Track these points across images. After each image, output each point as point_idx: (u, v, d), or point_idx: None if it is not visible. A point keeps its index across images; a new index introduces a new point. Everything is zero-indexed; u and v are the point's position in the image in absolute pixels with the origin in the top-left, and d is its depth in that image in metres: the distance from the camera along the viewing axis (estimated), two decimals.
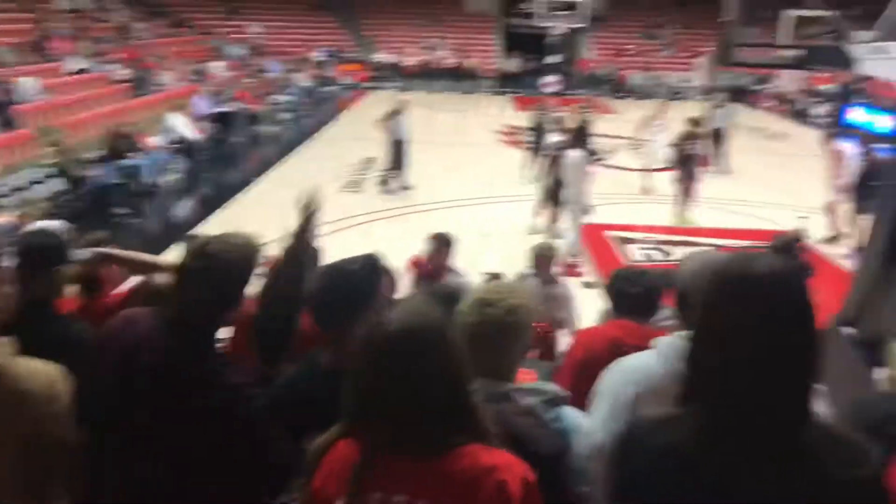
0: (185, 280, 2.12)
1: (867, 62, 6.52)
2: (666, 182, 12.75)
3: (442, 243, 5.83)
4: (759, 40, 8.66)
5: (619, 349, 2.65)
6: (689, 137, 11.61)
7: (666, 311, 3.14)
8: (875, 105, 21.79)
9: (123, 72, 17.96)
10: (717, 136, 14.55)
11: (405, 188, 13.13)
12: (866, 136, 9.95)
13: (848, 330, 4.93)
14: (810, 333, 1.41)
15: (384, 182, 13.21)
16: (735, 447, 1.38)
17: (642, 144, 13.84)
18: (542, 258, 5.75)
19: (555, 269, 5.90)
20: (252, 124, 18.96)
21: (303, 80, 25.47)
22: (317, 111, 23.95)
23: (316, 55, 30.64)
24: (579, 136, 9.73)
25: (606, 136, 17.77)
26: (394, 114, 12.78)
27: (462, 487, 1.54)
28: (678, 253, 9.86)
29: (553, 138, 11.11)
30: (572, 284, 6.75)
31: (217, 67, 22.55)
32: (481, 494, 1.52)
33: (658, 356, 2.13)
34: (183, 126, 14.58)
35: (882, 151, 9.29)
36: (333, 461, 1.65)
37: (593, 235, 10.48)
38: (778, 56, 8.78)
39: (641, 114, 14.17)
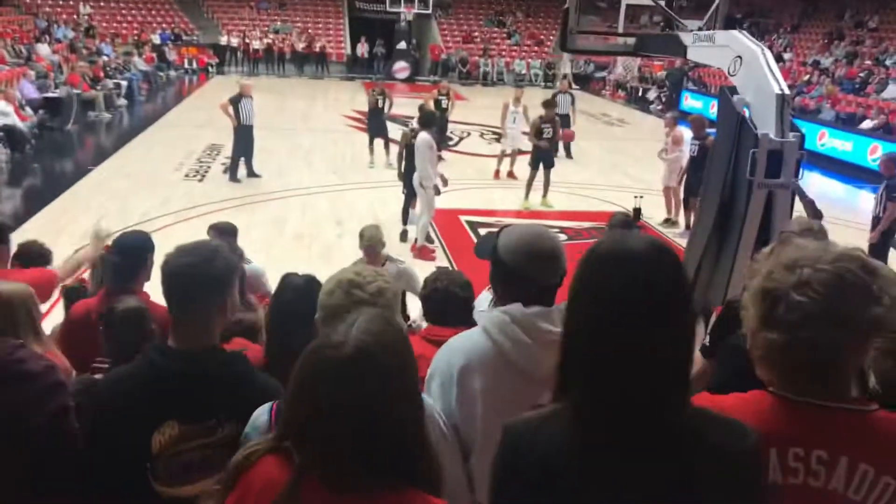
0: None
1: (696, 50, 6.89)
2: (520, 167, 13.06)
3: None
4: (598, 28, 8.98)
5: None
6: (546, 120, 11.95)
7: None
8: (705, 91, 23.35)
9: None
10: (563, 123, 15.05)
11: (252, 175, 12.73)
12: (698, 122, 10.56)
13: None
14: (685, 309, 1.40)
15: (230, 169, 12.74)
16: (614, 434, 1.35)
17: (502, 131, 14.11)
18: (370, 244, 5.67)
19: (384, 254, 5.82)
20: (86, 110, 17.83)
21: (140, 63, 24.16)
22: (157, 96, 22.85)
23: (153, 38, 29.18)
24: (424, 119, 9.77)
25: (458, 122, 18.00)
26: (238, 98, 12.33)
27: None
28: None
29: (411, 123, 11.12)
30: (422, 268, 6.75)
31: (44, 50, 20.99)
32: None
33: (481, 332, 2.09)
34: (6, 111, 13.48)
35: (713, 134, 9.89)
36: (255, 479, 1.49)
37: (447, 220, 10.58)
38: (615, 43, 9.14)
39: (501, 101, 14.43)
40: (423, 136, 9.30)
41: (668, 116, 12.14)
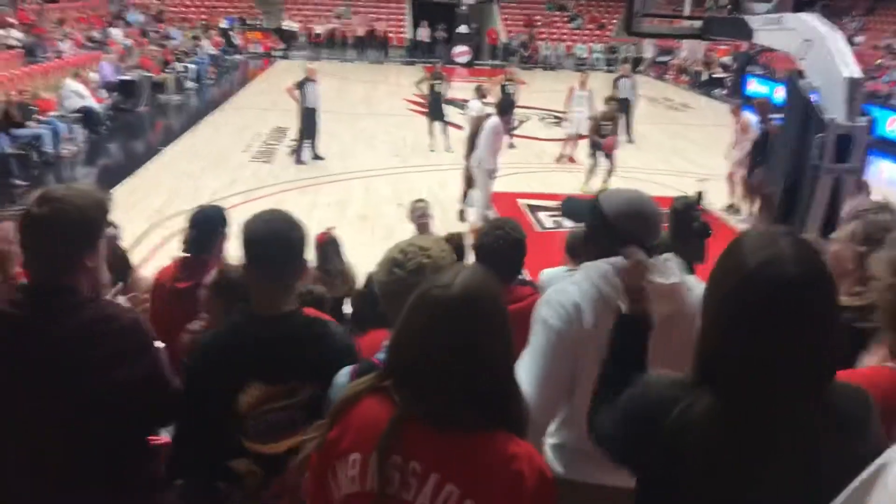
0: (30, 230, 2.04)
1: (763, 33, 6.82)
2: (582, 152, 13.04)
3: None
4: (664, 10, 8.92)
5: None
6: (607, 118, 11.94)
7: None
8: (771, 76, 22.79)
9: (16, 36, 17.03)
10: (624, 107, 14.95)
11: (317, 158, 13.00)
12: (764, 106, 10.39)
13: None
14: (836, 329, 1.44)
15: (295, 152, 13.03)
16: (759, 424, 1.41)
17: (566, 114, 14.13)
18: (421, 217, 5.84)
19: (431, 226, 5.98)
20: (156, 93, 18.35)
21: (208, 47, 24.71)
22: (223, 80, 23.34)
23: (221, 23, 29.74)
24: (501, 106, 9.88)
25: (518, 106, 17.95)
26: (304, 82, 12.59)
27: (480, 470, 1.50)
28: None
29: (475, 106, 11.24)
30: None
31: (117, 34, 21.63)
32: (496, 480, 1.49)
33: (586, 279, 2.18)
34: (83, 94, 13.99)
35: (778, 121, 9.76)
36: (359, 415, 1.59)
37: (506, 203, 10.65)
38: (680, 26, 9.06)
39: (566, 85, 14.41)
40: (494, 121, 9.41)
41: (733, 105, 11.97)
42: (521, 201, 11.07)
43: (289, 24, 31.47)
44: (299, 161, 12.81)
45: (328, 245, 5.43)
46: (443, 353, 1.50)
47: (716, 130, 12.51)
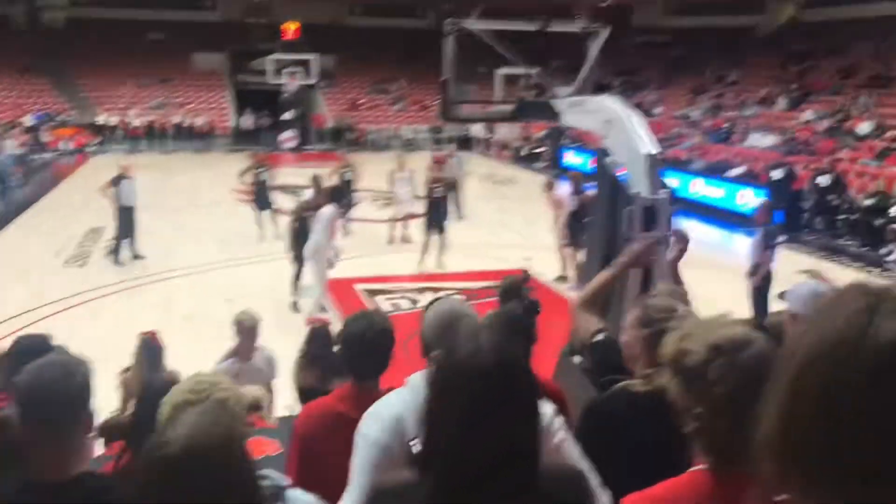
0: None
1: (569, 115, 7.20)
2: (414, 231, 13.20)
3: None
4: (477, 97, 9.29)
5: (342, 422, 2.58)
6: (433, 182, 12.23)
7: None
8: (585, 147, 24.30)
9: None
10: (453, 185, 15.37)
11: (137, 257, 12.34)
12: (577, 178, 11.01)
13: (577, 358, 5.33)
14: (534, 408, 1.50)
15: (113, 252, 12.32)
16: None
17: (390, 196, 14.31)
18: (244, 328, 5.57)
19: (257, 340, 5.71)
20: None
21: (12, 147, 23.21)
22: (32, 180, 21.94)
23: (27, 120, 28.16)
24: (335, 193, 9.92)
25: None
26: (118, 179, 12.02)
27: None
28: (425, 300, 10.18)
29: (305, 194, 11.16)
30: None
31: None
32: None
33: (408, 392, 2.13)
34: None
35: (589, 188, 10.40)
36: None
37: (342, 290, 10.51)
38: (494, 110, 9.46)
39: (386, 167, 14.63)
40: (329, 209, 9.39)
41: (545, 183, 12.66)
42: (358, 286, 10.97)
43: (103, 119, 30.26)
44: (118, 262, 12.11)
45: (147, 351, 5.03)
46: None
47: (540, 202, 13.03)
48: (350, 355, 2.88)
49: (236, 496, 1.46)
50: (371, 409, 2.18)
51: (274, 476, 1.97)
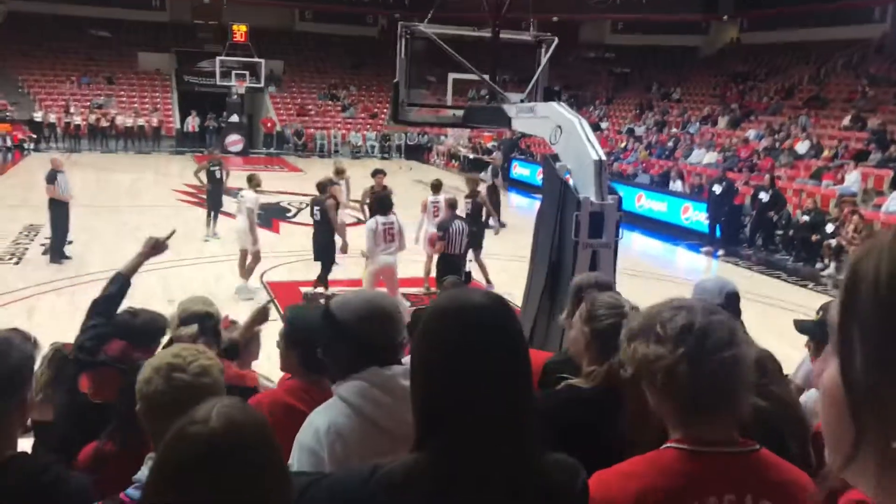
0: None
1: (520, 121, 7.27)
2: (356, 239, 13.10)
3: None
4: (427, 101, 9.31)
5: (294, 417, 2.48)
6: (377, 189, 12.17)
7: None
8: (533, 160, 24.56)
9: None
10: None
11: (67, 257, 12.00)
12: (473, 181, 11.42)
13: None
14: (526, 351, 1.47)
15: (51, 250, 11.96)
16: (473, 482, 1.37)
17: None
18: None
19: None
20: None
21: None
22: None
23: None
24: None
25: (295, 193, 17.92)
26: (53, 174, 11.70)
27: None
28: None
29: (249, 196, 11.01)
30: None
31: None
32: None
33: (339, 402, 1.99)
34: None
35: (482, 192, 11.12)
36: None
37: (289, 292, 10.42)
38: (445, 115, 9.48)
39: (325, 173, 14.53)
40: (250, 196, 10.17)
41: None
42: (303, 289, 10.86)
43: (43, 116, 29.45)
44: (56, 260, 11.77)
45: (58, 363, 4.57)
46: (206, 498, 1.31)
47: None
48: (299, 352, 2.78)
49: (274, 474, 1.39)
50: (307, 420, 2.08)
51: None
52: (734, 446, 1.59)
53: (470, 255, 11.11)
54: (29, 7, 33.23)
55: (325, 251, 10.50)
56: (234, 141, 30.00)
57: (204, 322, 3.52)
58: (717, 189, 15.54)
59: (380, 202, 9.84)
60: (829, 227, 13.99)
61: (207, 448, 1.32)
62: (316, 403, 2.43)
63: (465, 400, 1.38)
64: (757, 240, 15.77)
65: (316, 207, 10.64)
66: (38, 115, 29.44)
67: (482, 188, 13.13)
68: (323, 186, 10.96)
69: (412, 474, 1.40)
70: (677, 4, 31.50)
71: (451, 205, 10.50)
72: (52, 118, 29.59)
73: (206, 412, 1.36)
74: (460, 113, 8.76)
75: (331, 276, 10.58)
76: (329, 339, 2.07)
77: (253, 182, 11.26)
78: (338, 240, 10.77)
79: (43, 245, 12.48)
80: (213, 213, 13.92)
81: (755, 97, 25.81)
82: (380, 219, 9.34)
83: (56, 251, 11.87)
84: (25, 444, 3.75)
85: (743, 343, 1.58)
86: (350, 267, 11.94)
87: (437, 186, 11.96)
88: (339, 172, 13.68)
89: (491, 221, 13.07)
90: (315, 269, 10.67)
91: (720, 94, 27.34)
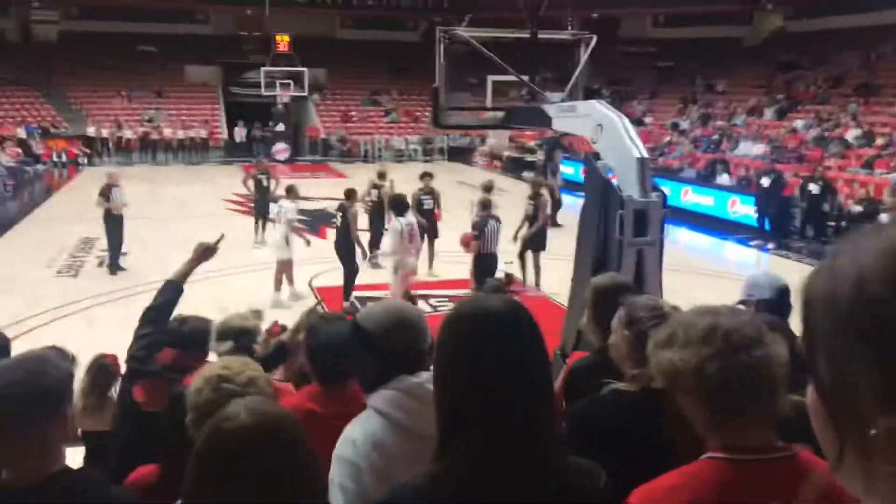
0: None
1: (560, 120, 7.27)
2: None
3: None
4: (467, 104, 9.34)
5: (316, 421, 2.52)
6: (424, 192, 12.31)
7: None
8: (576, 157, 24.41)
9: None
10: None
11: (122, 269, 12.34)
12: (536, 184, 11.31)
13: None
14: (545, 359, 1.49)
15: (106, 263, 12.32)
16: (490, 489, 1.39)
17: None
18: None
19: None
20: None
21: (4, 159, 23.19)
22: (23, 192, 21.92)
23: (18, 132, 28.13)
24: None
25: (339, 199, 18.07)
26: (108, 189, 12.05)
27: None
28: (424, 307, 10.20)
29: (288, 206, 11.20)
30: None
31: None
32: None
33: (373, 414, 2.02)
34: None
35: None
36: None
37: (336, 297, 10.55)
38: (485, 117, 9.52)
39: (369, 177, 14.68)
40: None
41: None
42: (345, 303, 10.97)
43: (95, 131, 30.27)
44: (114, 272, 12.13)
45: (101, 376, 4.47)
46: (241, 490, 1.36)
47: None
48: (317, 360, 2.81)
49: (307, 471, 1.45)
50: (344, 433, 2.09)
51: None
52: (774, 452, 1.55)
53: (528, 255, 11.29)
54: (79, 26, 34.21)
55: (347, 261, 10.57)
56: (281, 149, 30.42)
57: (239, 339, 3.60)
58: (766, 181, 15.29)
59: (396, 204, 9.79)
60: (884, 217, 13.67)
61: (240, 442, 1.39)
62: (337, 408, 2.48)
63: (482, 406, 1.40)
64: (808, 231, 15.47)
65: (339, 213, 10.78)
66: (90, 131, 30.26)
67: (544, 191, 13.07)
68: (350, 193, 11.10)
69: (430, 484, 1.43)
70: None
71: (485, 205, 10.51)
72: (105, 133, 30.39)
73: (237, 409, 1.44)
74: (501, 114, 8.79)
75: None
76: (358, 350, 2.10)
77: (291, 193, 11.46)
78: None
79: (99, 257, 12.86)
80: (261, 221, 14.22)
81: (802, 86, 25.30)
82: (402, 220, 9.35)
83: (112, 263, 12.23)
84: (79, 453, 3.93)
85: (774, 343, 1.53)
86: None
87: (488, 188, 12.07)
88: (382, 176, 13.86)
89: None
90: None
91: (766, 84, 26.86)
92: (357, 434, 1.99)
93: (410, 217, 9.54)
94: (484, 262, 9.82)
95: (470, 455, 1.40)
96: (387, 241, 9.81)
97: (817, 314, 0.72)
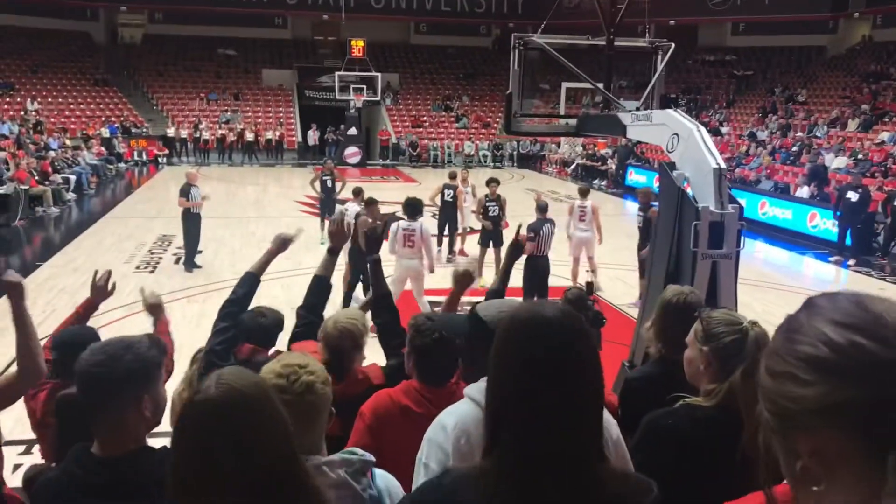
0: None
1: (635, 129, 7.16)
2: (470, 245, 13.25)
3: None
4: (540, 110, 9.29)
5: (407, 416, 2.69)
6: (490, 199, 12.29)
7: None
8: (649, 166, 24.06)
9: None
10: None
11: (198, 266, 12.67)
12: (646, 195, 10.87)
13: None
14: (595, 371, 1.47)
15: (182, 260, 12.69)
16: (536, 489, 1.39)
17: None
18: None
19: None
20: (34, 206, 17.65)
21: (89, 157, 24.11)
22: (106, 189, 22.75)
23: (102, 131, 29.22)
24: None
25: None
26: (188, 188, 12.39)
27: None
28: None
29: (354, 209, 11.28)
30: None
31: None
32: None
33: (469, 402, 2.09)
34: None
35: (657, 207, 10.18)
36: None
37: (402, 301, 10.58)
38: (557, 125, 9.45)
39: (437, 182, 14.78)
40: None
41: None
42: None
43: (175, 131, 31.25)
44: (186, 269, 12.47)
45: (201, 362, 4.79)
46: (219, 459, 1.45)
47: (604, 220, 12.89)
48: (417, 360, 2.87)
49: (272, 443, 1.51)
50: (437, 419, 2.17)
51: (360, 452, 2.03)
52: None
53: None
54: (163, 29, 35.40)
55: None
56: (352, 153, 30.83)
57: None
58: (854, 196, 14.68)
59: (408, 207, 9.81)
60: None
61: (206, 414, 1.49)
62: (431, 408, 2.52)
63: (527, 412, 1.41)
64: (892, 249, 14.87)
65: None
66: (170, 131, 31.25)
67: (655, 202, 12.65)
68: (369, 201, 11.13)
69: (475, 476, 1.46)
70: (803, 3, 30.12)
71: (542, 209, 10.46)
72: (184, 133, 31.34)
73: (209, 382, 1.53)
74: (573, 121, 8.71)
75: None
76: (475, 339, 2.19)
77: (359, 196, 11.57)
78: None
79: (175, 254, 13.23)
80: (325, 221, 14.42)
81: (889, 98, 24.36)
82: (402, 223, 9.49)
83: (188, 260, 12.58)
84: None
85: None
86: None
87: (584, 192, 12.09)
88: (452, 177, 13.94)
89: None
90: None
91: (850, 95, 25.95)
92: (449, 420, 2.08)
93: (415, 223, 9.57)
94: (534, 264, 9.85)
95: (512, 458, 1.42)
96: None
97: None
